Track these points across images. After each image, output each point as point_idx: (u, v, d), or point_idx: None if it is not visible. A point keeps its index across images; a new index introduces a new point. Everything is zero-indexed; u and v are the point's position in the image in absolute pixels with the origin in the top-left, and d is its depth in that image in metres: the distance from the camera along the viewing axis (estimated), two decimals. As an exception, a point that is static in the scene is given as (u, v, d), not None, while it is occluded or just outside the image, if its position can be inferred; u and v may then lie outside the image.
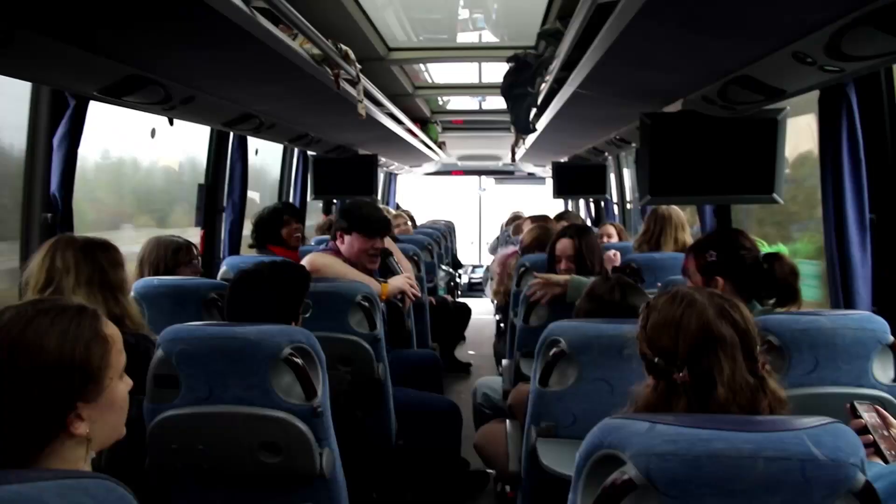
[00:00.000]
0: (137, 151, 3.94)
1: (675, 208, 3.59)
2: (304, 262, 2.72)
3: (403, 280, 2.99)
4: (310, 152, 4.75)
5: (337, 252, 2.86)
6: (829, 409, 1.29)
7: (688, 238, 3.54)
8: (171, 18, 1.59)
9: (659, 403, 1.28)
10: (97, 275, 1.93)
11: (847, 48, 1.50)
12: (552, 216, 4.76)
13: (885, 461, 1.36)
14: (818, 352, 1.79)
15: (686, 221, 3.61)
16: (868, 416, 1.42)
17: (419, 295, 3.16)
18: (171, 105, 2.35)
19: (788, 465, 0.98)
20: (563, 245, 2.94)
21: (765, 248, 2.25)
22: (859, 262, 2.18)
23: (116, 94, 2.08)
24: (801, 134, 3.16)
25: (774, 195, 2.38)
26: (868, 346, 1.84)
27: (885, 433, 1.40)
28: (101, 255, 1.96)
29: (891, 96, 2.12)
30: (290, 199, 4.91)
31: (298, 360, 1.72)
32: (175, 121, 2.67)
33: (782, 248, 2.27)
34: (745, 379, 1.24)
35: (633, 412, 1.31)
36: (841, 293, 2.21)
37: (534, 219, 4.42)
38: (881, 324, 1.86)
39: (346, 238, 2.84)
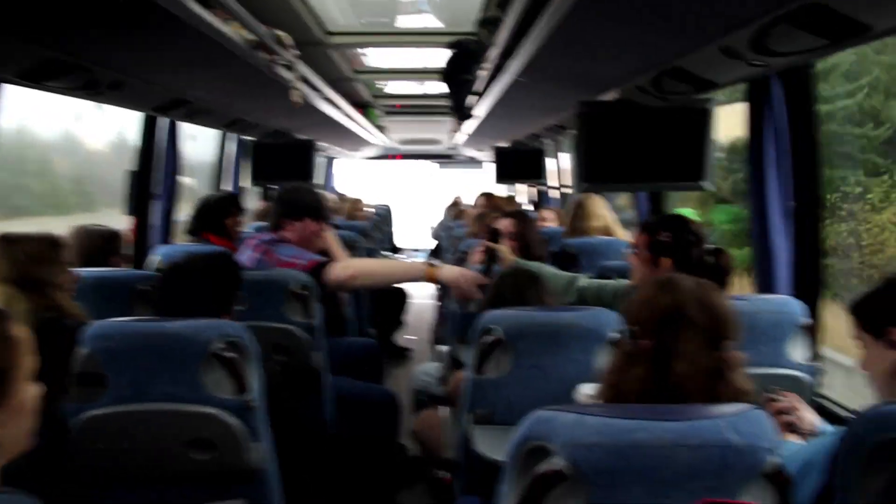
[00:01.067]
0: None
1: None
2: (345, 271, 2.58)
3: (462, 273, 2.55)
4: (247, 137, 4.63)
5: (283, 240, 2.80)
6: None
7: (608, 213, 3.63)
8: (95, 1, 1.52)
9: (622, 366, 1.32)
10: (15, 270, 1.88)
11: (771, 44, 1.56)
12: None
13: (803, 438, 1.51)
14: (740, 334, 1.86)
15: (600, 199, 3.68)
16: (782, 400, 1.59)
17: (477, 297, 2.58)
18: (98, 90, 2.25)
19: (709, 453, 1.01)
20: (505, 223, 3.02)
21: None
22: (782, 249, 2.27)
23: (35, 79, 1.98)
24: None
25: (703, 182, 2.45)
26: (785, 328, 1.93)
27: (798, 415, 1.56)
28: (21, 252, 1.90)
29: (814, 89, 2.20)
30: (225, 185, 4.80)
31: (229, 355, 1.68)
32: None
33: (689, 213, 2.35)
34: (705, 363, 1.27)
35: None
36: (764, 278, 2.30)
37: (485, 195, 4.57)
38: (798, 306, 1.95)
39: (297, 224, 2.81)
